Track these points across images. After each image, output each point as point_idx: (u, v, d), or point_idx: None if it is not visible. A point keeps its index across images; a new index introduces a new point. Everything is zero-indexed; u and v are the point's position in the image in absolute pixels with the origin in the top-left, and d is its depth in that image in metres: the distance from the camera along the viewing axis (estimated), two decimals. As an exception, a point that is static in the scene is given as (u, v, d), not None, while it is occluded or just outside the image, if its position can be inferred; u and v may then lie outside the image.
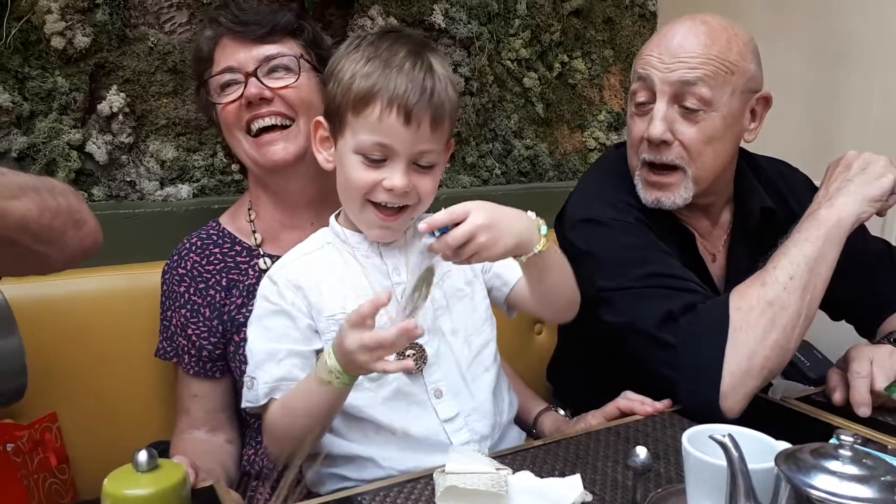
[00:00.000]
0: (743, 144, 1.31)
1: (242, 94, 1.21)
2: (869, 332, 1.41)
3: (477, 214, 0.88)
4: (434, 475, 0.91)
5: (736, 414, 1.07)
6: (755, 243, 1.32)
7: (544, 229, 0.94)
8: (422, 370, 1.04)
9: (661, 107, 1.18)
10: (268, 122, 1.22)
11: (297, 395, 0.96)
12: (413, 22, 2.00)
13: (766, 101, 1.26)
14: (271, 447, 1.03)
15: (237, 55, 1.23)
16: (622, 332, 1.17)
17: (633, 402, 1.14)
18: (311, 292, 1.03)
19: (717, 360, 1.07)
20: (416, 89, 0.94)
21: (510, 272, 1.11)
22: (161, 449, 1.21)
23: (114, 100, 1.60)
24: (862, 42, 1.94)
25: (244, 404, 1.04)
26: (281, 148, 1.21)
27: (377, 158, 0.97)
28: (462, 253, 0.89)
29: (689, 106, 1.17)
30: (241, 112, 1.22)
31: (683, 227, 1.29)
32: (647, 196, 1.24)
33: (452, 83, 1.00)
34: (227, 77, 1.23)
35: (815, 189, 1.26)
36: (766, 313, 1.07)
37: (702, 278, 1.23)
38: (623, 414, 1.15)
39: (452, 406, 1.05)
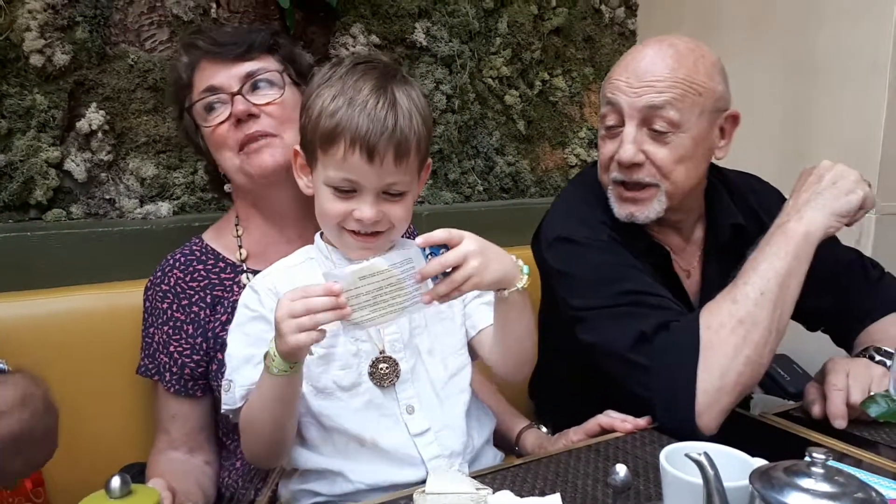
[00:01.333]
0: (715, 161, 1.33)
1: (231, 113, 1.21)
2: (845, 342, 1.42)
3: (470, 241, 0.92)
4: (414, 495, 0.90)
5: (712, 430, 1.08)
6: (728, 259, 1.33)
7: (526, 268, 0.98)
8: (394, 384, 1.06)
9: (630, 130, 1.20)
10: (259, 137, 1.22)
11: (255, 389, 0.98)
12: (395, 40, 2.01)
13: (735, 119, 1.28)
14: (245, 451, 1.04)
15: (218, 76, 1.23)
16: (597, 353, 1.18)
17: (615, 419, 1.15)
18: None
19: (690, 380, 1.07)
20: (377, 128, 0.97)
21: (480, 316, 1.12)
22: (137, 471, 1.20)
23: (93, 117, 1.59)
24: (833, 59, 1.98)
25: (223, 408, 1.05)
26: (269, 155, 1.22)
27: (346, 189, 1.00)
28: (454, 278, 0.91)
29: (658, 129, 1.19)
30: (230, 131, 1.22)
31: (658, 245, 1.30)
32: (621, 211, 1.25)
33: (420, 113, 1.02)
34: (211, 98, 1.23)
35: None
36: (738, 331, 1.08)
37: (676, 295, 1.24)
38: (604, 430, 1.16)
39: (423, 421, 1.06)
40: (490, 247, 0.94)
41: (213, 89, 1.22)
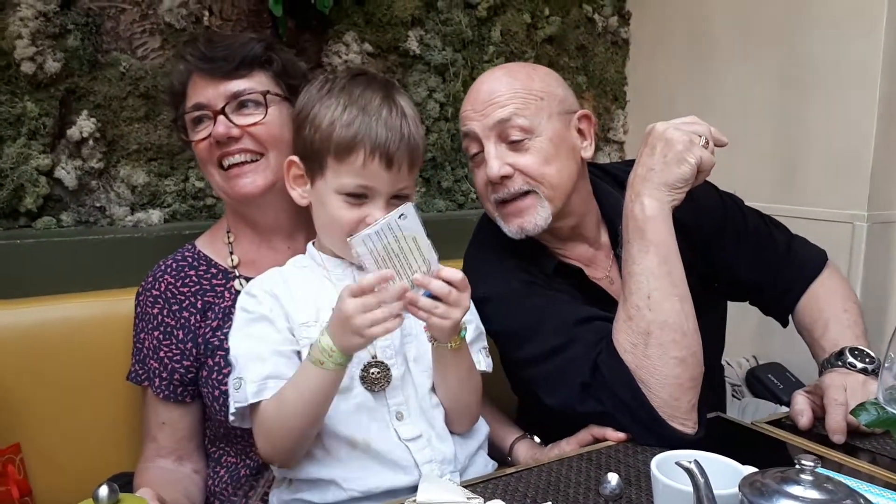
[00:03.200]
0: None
1: (211, 132, 1.21)
2: (775, 314, 1.43)
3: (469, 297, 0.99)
4: (404, 504, 0.90)
5: (694, 427, 1.08)
6: None
7: (463, 333, 1.03)
8: (385, 389, 1.06)
9: (490, 149, 1.23)
10: (238, 158, 1.22)
11: (290, 384, 0.99)
12: (388, 48, 2.02)
13: (588, 119, 1.30)
14: (264, 446, 1.03)
15: (206, 92, 1.22)
16: (561, 412, 1.18)
17: (606, 428, 1.14)
18: (286, 301, 1.07)
19: (643, 402, 1.08)
20: (395, 136, 1.03)
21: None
22: (125, 481, 1.19)
23: (84, 125, 1.59)
24: (825, 70, 1.99)
25: (232, 408, 1.04)
26: (250, 181, 1.22)
27: (359, 196, 1.04)
28: (439, 310, 0.96)
29: (514, 138, 1.22)
30: (211, 149, 1.22)
31: (567, 266, 1.30)
32: (510, 228, 1.26)
33: (419, 121, 1.10)
34: (198, 114, 1.23)
35: None
36: (650, 342, 1.08)
37: (604, 304, 1.24)
38: (597, 440, 1.15)
39: (413, 428, 1.06)
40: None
41: (200, 106, 1.22)
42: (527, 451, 1.29)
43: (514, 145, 1.22)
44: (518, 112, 1.21)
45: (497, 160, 1.22)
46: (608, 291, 1.30)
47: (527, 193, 1.23)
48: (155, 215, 1.66)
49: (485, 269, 1.28)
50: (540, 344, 1.18)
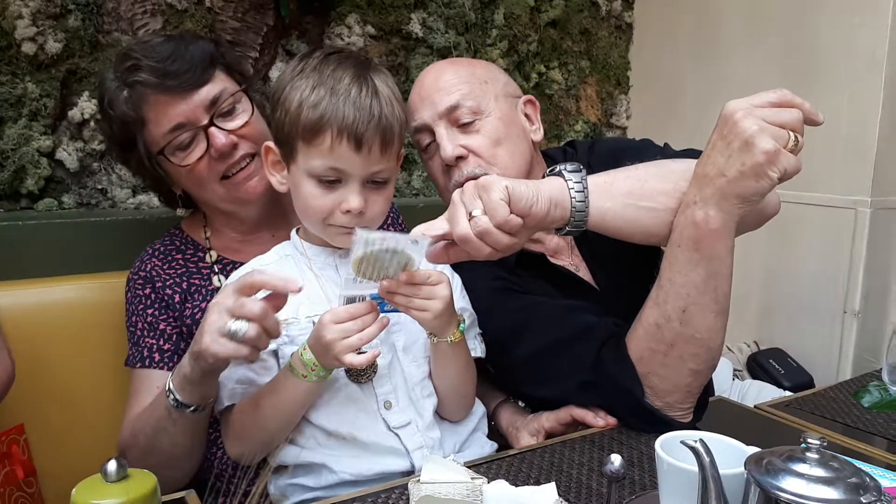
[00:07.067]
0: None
1: (209, 147, 1.16)
2: None
3: (448, 287, 0.98)
4: (409, 485, 0.90)
5: (689, 416, 1.08)
6: (600, 241, 1.24)
7: (462, 326, 1.03)
8: (371, 380, 1.05)
9: (442, 132, 1.24)
10: (241, 164, 1.20)
11: (268, 392, 0.99)
12: (390, 31, 2.01)
13: (533, 104, 1.33)
14: (232, 447, 1.04)
15: (178, 110, 1.14)
16: (554, 402, 1.18)
17: (587, 413, 1.13)
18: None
19: (645, 407, 1.06)
20: (364, 116, 0.97)
21: None
22: (131, 460, 1.19)
23: (85, 106, 1.58)
24: (832, 57, 1.98)
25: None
26: (257, 181, 1.21)
27: (331, 180, 1.00)
28: (413, 302, 0.96)
29: (465, 120, 1.23)
30: (213, 164, 1.18)
31: (530, 254, 1.28)
32: None
33: (398, 100, 1.03)
34: (183, 136, 1.15)
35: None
36: (671, 353, 1.04)
37: (573, 287, 1.24)
38: (575, 420, 1.14)
39: (402, 416, 1.06)
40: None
41: (181, 126, 1.15)
42: (509, 416, 1.28)
43: (465, 127, 1.23)
44: (466, 95, 1.23)
45: (450, 142, 1.23)
46: (578, 274, 1.29)
47: (478, 178, 1.22)
48: (157, 198, 1.66)
49: (465, 276, 1.25)
50: (527, 346, 1.16)
